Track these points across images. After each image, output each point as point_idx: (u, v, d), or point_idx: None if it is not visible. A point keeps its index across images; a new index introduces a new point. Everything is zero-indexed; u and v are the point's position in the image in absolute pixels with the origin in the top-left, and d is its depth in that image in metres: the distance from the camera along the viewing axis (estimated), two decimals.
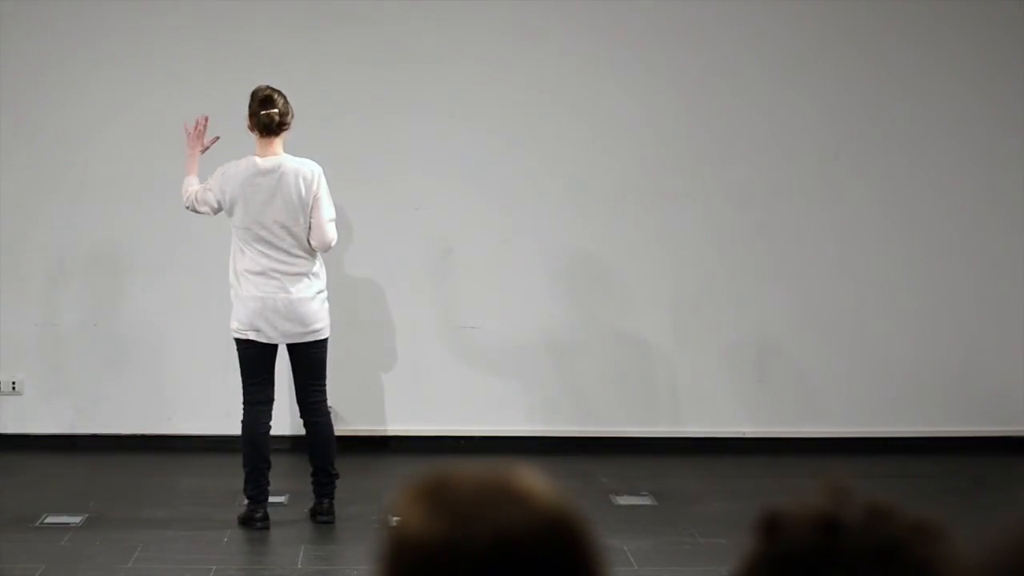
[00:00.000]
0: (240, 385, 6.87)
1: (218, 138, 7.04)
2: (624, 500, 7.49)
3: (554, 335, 8.61)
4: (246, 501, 6.85)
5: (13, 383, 8.55)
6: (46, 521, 6.98)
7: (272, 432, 6.95)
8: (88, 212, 8.47)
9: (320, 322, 6.80)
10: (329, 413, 6.93)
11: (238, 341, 6.79)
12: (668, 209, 8.62)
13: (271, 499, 6.97)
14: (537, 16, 8.51)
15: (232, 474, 7.26)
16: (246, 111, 6.81)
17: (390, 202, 8.53)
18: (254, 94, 6.80)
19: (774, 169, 8.65)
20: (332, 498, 6.89)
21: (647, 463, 8.29)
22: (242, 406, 6.85)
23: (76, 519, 7.00)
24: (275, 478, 6.97)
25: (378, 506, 6.97)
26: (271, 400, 6.85)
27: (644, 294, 8.64)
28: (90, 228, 8.47)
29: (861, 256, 8.71)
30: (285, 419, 7.67)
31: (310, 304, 6.76)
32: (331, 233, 6.78)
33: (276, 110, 6.73)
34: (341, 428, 7.82)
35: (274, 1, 8.46)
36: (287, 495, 7.29)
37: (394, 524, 1.37)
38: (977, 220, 8.74)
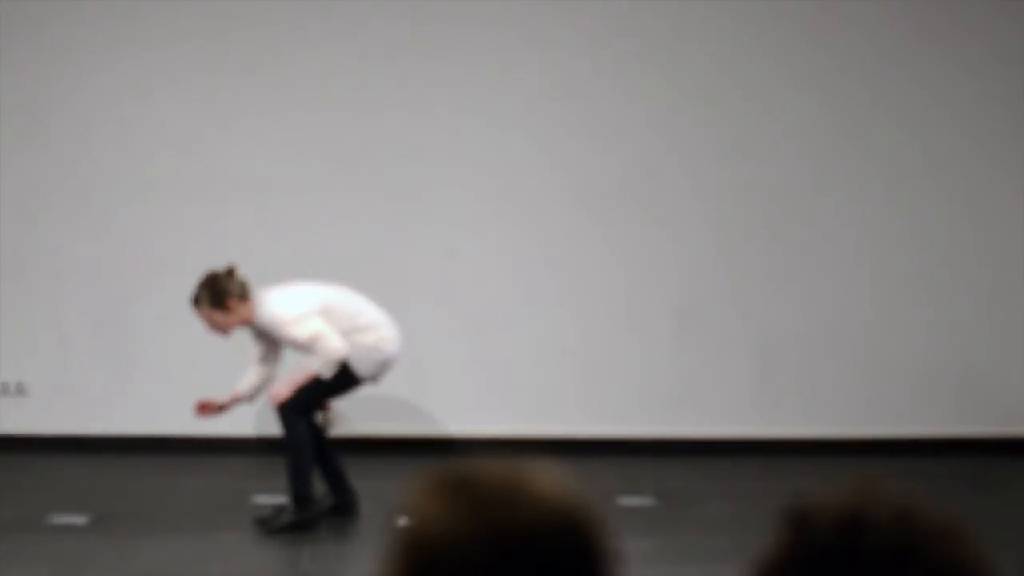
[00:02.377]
0: None
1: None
2: (626, 501, 7.50)
3: (556, 335, 8.62)
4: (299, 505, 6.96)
5: (18, 384, 8.56)
6: (51, 522, 6.99)
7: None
8: (92, 213, 8.47)
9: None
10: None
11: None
12: (671, 209, 8.63)
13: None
14: (542, 16, 8.52)
15: (236, 475, 7.27)
16: (219, 300, 6.92)
17: (393, 202, 8.54)
18: (216, 278, 6.95)
19: (776, 170, 8.65)
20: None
21: (649, 464, 8.30)
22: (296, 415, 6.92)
23: (81, 520, 7.02)
24: (272, 478, 7.01)
25: (381, 507, 6.97)
26: None
27: (646, 294, 8.65)
28: (94, 228, 8.47)
29: (862, 257, 8.72)
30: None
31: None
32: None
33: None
34: (344, 429, 7.85)
35: (275, 0, 8.48)
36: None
37: (412, 518, 1.37)
38: (979, 221, 8.74)
